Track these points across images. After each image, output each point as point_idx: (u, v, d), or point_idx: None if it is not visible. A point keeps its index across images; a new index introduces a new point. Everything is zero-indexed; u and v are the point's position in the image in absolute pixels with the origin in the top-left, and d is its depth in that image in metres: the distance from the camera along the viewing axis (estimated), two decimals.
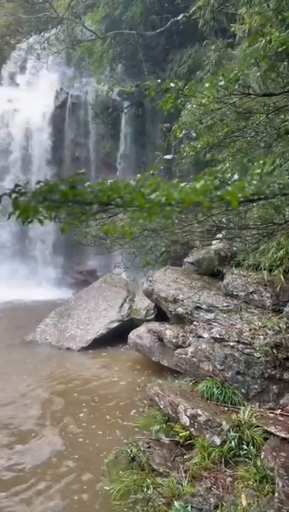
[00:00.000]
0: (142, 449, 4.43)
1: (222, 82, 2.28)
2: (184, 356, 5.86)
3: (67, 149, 17.28)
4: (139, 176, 1.54)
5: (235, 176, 1.52)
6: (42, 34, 13.26)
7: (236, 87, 2.41)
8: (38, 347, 8.61)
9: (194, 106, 2.78)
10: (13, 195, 1.70)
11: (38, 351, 8.36)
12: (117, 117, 16.16)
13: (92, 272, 16.43)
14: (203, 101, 2.57)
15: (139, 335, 7.47)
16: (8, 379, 6.85)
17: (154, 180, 1.79)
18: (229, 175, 1.57)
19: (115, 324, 8.74)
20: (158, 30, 11.76)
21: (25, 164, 16.92)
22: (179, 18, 11.26)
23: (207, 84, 2.31)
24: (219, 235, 5.02)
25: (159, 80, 3.11)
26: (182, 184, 1.66)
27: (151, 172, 1.72)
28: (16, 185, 1.67)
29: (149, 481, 3.92)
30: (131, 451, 4.38)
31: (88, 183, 1.66)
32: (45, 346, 8.63)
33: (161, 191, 1.63)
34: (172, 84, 2.97)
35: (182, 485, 3.94)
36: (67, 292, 14.53)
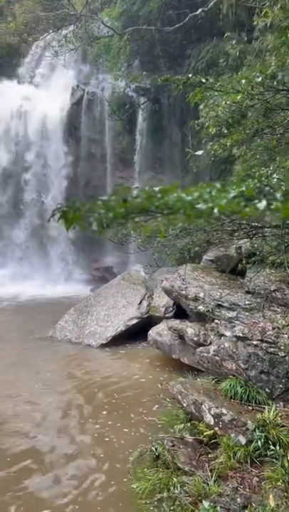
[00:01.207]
0: (166, 447, 4.43)
1: (259, 79, 2.24)
2: (205, 354, 5.82)
3: (83, 146, 17.31)
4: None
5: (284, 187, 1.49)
6: (59, 31, 13.27)
7: (274, 83, 2.36)
8: (58, 343, 8.67)
9: (227, 102, 2.75)
10: (65, 209, 1.69)
11: (58, 348, 8.41)
12: (134, 113, 16.12)
13: (108, 268, 16.49)
14: (238, 97, 2.52)
15: (159, 332, 7.46)
16: (28, 376, 6.91)
17: (201, 189, 1.76)
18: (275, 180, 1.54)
19: (134, 321, 8.74)
20: (176, 26, 11.65)
21: (42, 161, 17.01)
22: (198, 12, 11.13)
23: (243, 81, 2.27)
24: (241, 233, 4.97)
25: (190, 75, 3.07)
26: (232, 194, 1.63)
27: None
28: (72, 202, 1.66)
29: (175, 479, 3.91)
30: (156, 449, 4.38)
31: (135, 192, 1.65)
32: (65, 343, 8.68)
33: (210, 200, 1.60)
34: (203, 80, 2.93)
35: (208, 484, 3.92)
36: (84, 289, 14.61)
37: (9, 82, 17.89)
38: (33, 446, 4.83)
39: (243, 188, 1.61)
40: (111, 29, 12.59)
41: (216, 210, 1.59)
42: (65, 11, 12.45)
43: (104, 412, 5.54)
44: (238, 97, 2.50)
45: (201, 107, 6.76)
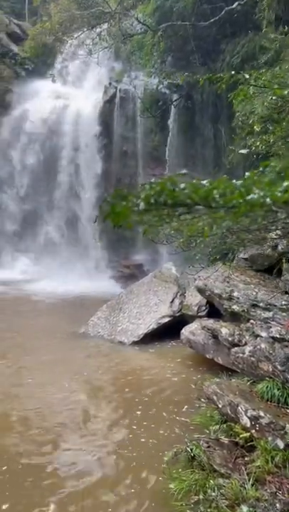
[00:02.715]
0: (202, 448, 4.37)
1: None
2: (241, 355, 5.72)
3: (115, 144, 17.39)
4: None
5: None
6: (93, 29, 13.35)
7: None
8: (91, 339, 8.74)
9: (273, 98, 2.66)
10: (109, 201, 1.67)
11: (91, 344, 8.48)
12: (166, 110, 16.03)
13: (138, 266, 16.52)
14: (286, 92, 2.43)
15: (193, 331, 7.39)
16: (61, 372, 6.99)
17: (249, 181, 1.69)
18: None
19: (166, 319, 8.71)
20: (212, 20, 11.48)
21: (75, 159, 17.20)
22: (234, 6, 10.92)
23: None
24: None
25: (233, 72, 2.99)
26: (286, 183, 1.55)
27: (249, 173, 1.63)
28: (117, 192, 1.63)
29: (212, 482, 3.85)
30: (191, 450, 4.33)
31: (183, 184, 1.60)
32: (98, 339, 8.75)
33: (264, 192, 1.53)
34: (247, 76, 2.85)
35: (245, 488, 3.84)
36: (114, 286, 14.71)
37: (44, 81, 18.19)
38: (66, 444, 4.87)
39: None
40: (145, 25, 12.55)
41: (268, 200, 1.51)
42: (99, 9, 12.51)
43: (139, 412, 5.52)
44: (286, 92, 2.41)
45: (236, 102, 6.63)
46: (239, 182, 1.58)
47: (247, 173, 1.50)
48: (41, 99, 17.81)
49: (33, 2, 19.34)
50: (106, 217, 1.64)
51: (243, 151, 5.52)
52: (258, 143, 4.02)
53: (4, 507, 3.81)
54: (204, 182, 1.62)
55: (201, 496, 3.84)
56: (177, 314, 8.79)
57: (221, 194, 1.49)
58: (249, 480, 3.94)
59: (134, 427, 5.15)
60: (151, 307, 9.08)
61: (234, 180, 1.57)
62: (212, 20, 11.70)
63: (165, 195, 1.38)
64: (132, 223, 1.75)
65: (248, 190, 1.52)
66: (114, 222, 1.67)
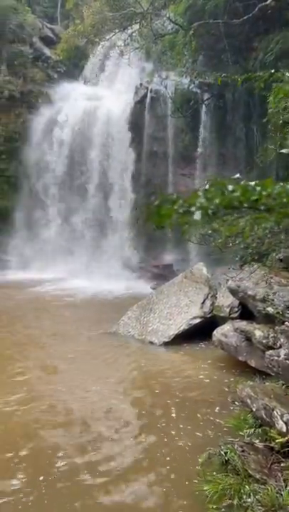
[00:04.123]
0: (236, 452, 4.29)
1: None
2: (276, 358, 5.59)
3: (145, 144, 17.44)
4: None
5: None
6: (125, 30, 13.43)
7: None
8: (122, 339, 8.77)
9: None
10: (155, 205, 1.65)
11: (122, 344, 8.51)
12: (197, 110, 15.94)
13: (168, 266, 16.51)
14: None
15: (225, 333, 7.29)
16: (92, 372, 7.03)
17: None
18: None
19: (197, 320, 8.63)
20: (245, 17, 11.32)
21: (106, 159, 17.34)
22: (268, 2, 10.73)
23: None
24: None
25: (273, 70, 2.92)
26: None
27: None
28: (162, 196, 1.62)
29: (247, 487, 3.78)
30: (225, 453, 4.26)
31: (232, 186, 1.56)
32: (128, 339, 8.77)
33: None
34: (288, 74, 2.78)
35: (282, 495, 3.75)
36: (143, 286, 14.73)
37: (75, 83, 18.45)
38: (104, 444, 4.89)
39: None
40: (177, 25, 12.51)
41: None
42: (131, 10, 12.56)
43: (173, 415, 5.47)
44: None
45: (274, 100, 6.49)
46: None
47: None
48: (73, 101, 18.08)
49: (66, 6, 19.65)
50: (149, 218, 1.63)
51: (285, 151, 5.38)
52: None
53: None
54: (252, 183, 1.58)
55: (235, 501, 3.77)
56: (208, 315, 8.69)
57: (272, 197, 1.45)
58: (286, 487, 3.84)
59: (169, 428, 5.12)
60: (182, 308, 9.02)
61: (281, 183, 1.52)
62: (245, 17, 11.51)
63: (217, 199, 1.35)
64: (174, 224, 1.73)
65: None
66: (158, 224, 1.66)
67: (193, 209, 1.46)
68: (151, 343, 8.50)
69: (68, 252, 17.24)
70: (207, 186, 1.56)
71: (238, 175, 1.65)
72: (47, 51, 20.47)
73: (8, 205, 18.12)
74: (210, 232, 3.48)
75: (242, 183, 1.54)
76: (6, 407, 5.61)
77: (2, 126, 18.34)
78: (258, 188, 1.47)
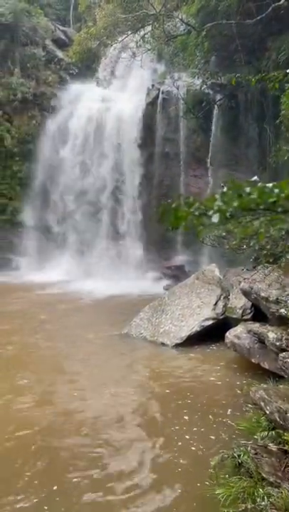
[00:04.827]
0: (249, 455, 4.26)
1: None
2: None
3: (157, 145, 17.43)
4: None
5: None
6: (137, 32, 13.45)
7: None
8: (134, 340, 8.78)
9: None
10: (171, 206, 1.65)
11: (134, 345, 8.52)
12: (209, 111, 15.87)
13: (180, 267, 16.46)
14: None
15: (237, 335, 7.25)
16: (104, 373, 7.05)
17: None
18: None
19: (210, 322, 8.59)
20: (258, 18, 11.25)
21: (117, 161, 17.39)
22: (281, 2, 10.65)
23: None
24: None
25: None
26: None
27: None
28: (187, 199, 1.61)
29: (261, 490, 3.74)
30: (238, 456, 4.23)
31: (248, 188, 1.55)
32: (140, 340, 8.77)
33: None
34: None
35: None
36: (155, 287, 14.70)
37: (87, 85, 18.54)
38: (117, 446, 4.90)
39: None
40: (189, 26, 12.48)
41: None
42: (144, 12, 12.58)
43: (186, 418, 5.44)
44: None
45: (284, 100, 6.44)
46: None
47: None
48: (85, 103, 18.16)
49: (79, 8, 19.76)
50: (163, 220, 1.63)
51: None
52: None
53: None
54: (269, 185, 1.57)
55: (249, 505, 3.74)
56: (221, 317, 8.66)
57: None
58: None
59: (182, 432, 5.10)
60: (194, 309, 9.00)
61: None
62: (258, 18, 11.44)
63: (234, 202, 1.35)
64: (189, 226, 1.73)
65: None
66: (173, 225, 1.66)
67: (210, 212, 1.46)
68: (163, 344, 8.49)
69: (80, 253, 17.31)
70: (225, 189, 1.56)
71: (255, 177, 1.64)
72: (59, 53, 20.61)
73: (20, 206, 18.28)
74: (224, 234, 3.47)
75: (258, 185, 1.54)
76: (19, 411, 5.62)
77: (15, 128, 18.51)
78: (276, 190, 1.46)
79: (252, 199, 1.46)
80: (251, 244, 3.65)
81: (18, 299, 12.62)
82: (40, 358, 7.80)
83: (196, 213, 1.56)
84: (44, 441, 4.89)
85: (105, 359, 7.74)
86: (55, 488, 4.11)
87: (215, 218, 1.46)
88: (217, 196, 1.50)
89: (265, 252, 3.81)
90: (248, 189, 1.51)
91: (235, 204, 1.41)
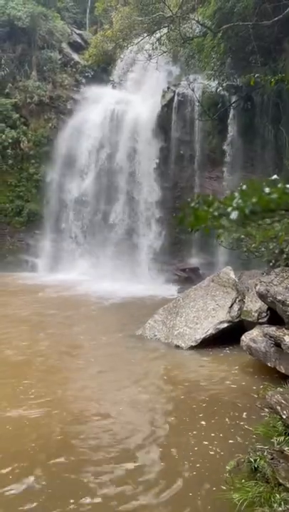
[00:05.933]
0: (266, 459, 4.21)
1: None
2: None
3: (172, 147, 17.45)
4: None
5: None
6: (153, 34, 13.48)
7: None
8: (148, 342, 8.77)
9: None
10: (191, 207, 1.64)
11: (148, 347, 8.50)
12: (224, 112, 15.83)
13: (194, 269, 16.42)
14: None
15: (253, 338, 7.18)
16: (118, 376, 7.04)
17: None
18: None
19: (225, 325, 8.53)
20: (275, 19, 11.17)
21: (133, 163, 17.44)
22: None
23: None
24: None
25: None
26: None
27: None
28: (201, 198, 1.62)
29: (278, 496, 3.70)
30: (255, 461, 4.19)
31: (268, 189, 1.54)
32: (155, 342, 8.76)
33: None
34: None
35: None
36: (170, 289, 14.70)
37: (103, 88, 18.66)
38: (132, 449, 4.89)
39: None
40: (206, 28, 12.46)
41: None
42: (160, 14, 12.61)
43: (203, 422, 5.40)
44: None
45: None
46: None
47: None
48: (101, 105, 18.28)
49: (95, 11, 19.90)
50: (182, 222, 1.62)
51: None
52: None
53: None
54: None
55: (266, 510, 3.70)
56: (236, 320, 8.59)
57: None
58: None
59: (199, 437, 5.06)
60: (209, 312, 8.95)
61: None
62: (275, 19, 11.37)
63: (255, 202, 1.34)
64: (209, 227, 1.72)
65: None
66: (193, 226, 1.64)
67: (229, 209, 1.44)
68: (178, 346, 8.46)
69: (95, 255, 17.41)
70: (244, 187, 1.55)
71: (275, 176, 1.63)
72: (75, 56, 20.80)
73: (36, 209, 18.48)
74: (242, 236, 3.44)
75: (279, 185, 1.53)
76: (34, 413, 5.65)
77: (32, 131, 18.74)
78: None
79: (272, 199, 1.45)
80: (271, 247, 3.61)
81: (32, 300, 12.74)
82: (50, 360, 7.79)
83: (215, 214, 1.54)
84: (55, 446, 4.90)
85: (119, 361, 7.74)
86: (73, 476, 4.16)
87: (234, 215, 1.44)
88: (236, 194, 1.49)
89: (285, 255, 3.77)
90: (267, 189, 1.49)
91: (254, 200, 1.39)
